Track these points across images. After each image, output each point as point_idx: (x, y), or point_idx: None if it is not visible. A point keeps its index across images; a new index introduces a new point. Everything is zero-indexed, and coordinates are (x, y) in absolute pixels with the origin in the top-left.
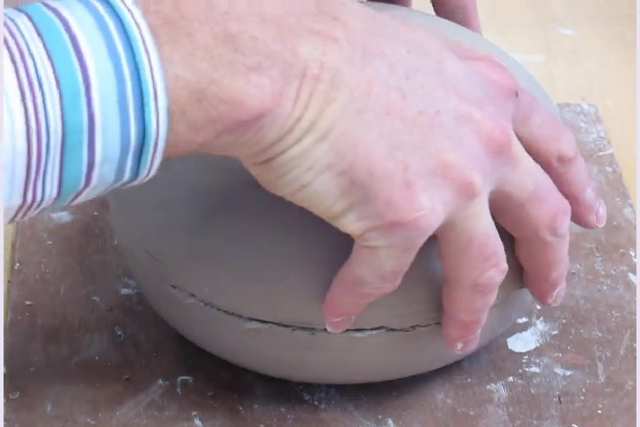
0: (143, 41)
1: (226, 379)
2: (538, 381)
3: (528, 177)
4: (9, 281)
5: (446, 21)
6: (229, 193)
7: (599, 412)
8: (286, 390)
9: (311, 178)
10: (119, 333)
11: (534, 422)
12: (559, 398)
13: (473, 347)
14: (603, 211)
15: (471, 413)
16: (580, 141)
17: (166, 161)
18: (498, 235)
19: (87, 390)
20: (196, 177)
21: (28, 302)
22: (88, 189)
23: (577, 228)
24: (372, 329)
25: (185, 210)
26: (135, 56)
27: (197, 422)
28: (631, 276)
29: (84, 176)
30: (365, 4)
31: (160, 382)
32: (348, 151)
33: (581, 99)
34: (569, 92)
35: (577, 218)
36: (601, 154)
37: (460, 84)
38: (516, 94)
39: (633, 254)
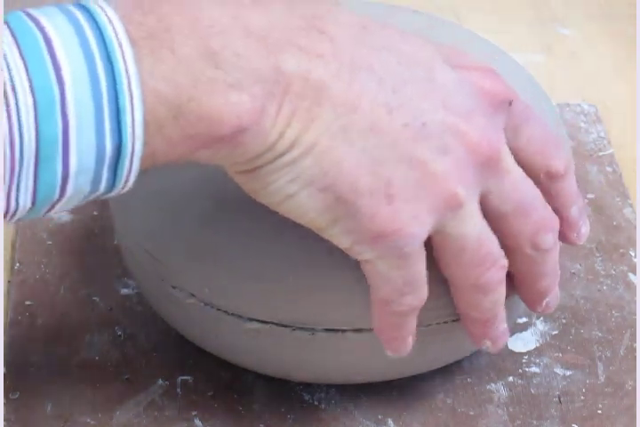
0: (122, 53)
1: (226, 379)
2: (538, 381)
3: (514, 190)
4: (9, 281)
5: (449, 22)
6: (229, 193)
7: (599, 412)
8: (286, 390)
9: (296, 189)
10: (119, 333)
11: (534, 422)
12: (559, 398)
13: (502, 344)
14: (585, 230)
15: (471, 413)
16: (579, 141)
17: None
18: (491, 233)
19: (87, 390)
20: (195, 177)
21: (27, 302)
22: (63, 200)
23: None
24: (373, 329)
25: (185, 210)
26: (113, 68)
27: (197, 422)
28: (631, 276)
29: (58, 187)
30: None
31: (160, 382)
32: (331, 167)
33: (581, 99)
34: (569, 92)
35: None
36: (601, 154)
37: (449, 95)
38: (510, 104)
39: (633, 254)
